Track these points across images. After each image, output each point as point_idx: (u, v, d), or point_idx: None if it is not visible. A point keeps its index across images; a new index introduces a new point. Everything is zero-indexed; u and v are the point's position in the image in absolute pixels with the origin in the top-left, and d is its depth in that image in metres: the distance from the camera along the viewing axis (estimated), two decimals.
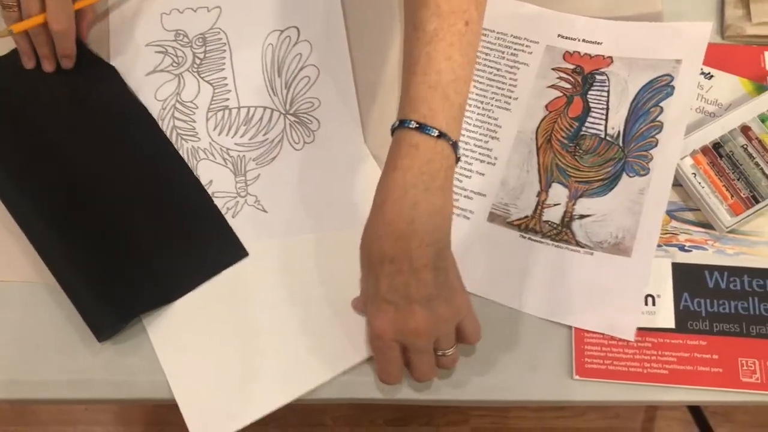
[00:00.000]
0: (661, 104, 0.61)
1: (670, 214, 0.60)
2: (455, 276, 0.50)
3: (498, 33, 0.66)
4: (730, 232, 0.58)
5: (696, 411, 1.09)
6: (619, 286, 0.56)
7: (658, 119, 0.61)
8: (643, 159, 0.60)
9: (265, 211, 0.60)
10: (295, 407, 0.55)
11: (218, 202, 0.60)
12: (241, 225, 0.59)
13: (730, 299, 0.57)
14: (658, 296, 0.57)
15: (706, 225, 0.59)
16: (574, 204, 0.59)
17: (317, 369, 0.54)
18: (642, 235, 0.57)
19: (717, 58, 0.64)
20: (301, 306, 0.56)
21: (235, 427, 0.53)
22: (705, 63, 0.63)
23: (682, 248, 0.59)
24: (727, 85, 0.63)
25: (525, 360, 0.55)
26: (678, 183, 0.60)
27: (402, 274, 0.48)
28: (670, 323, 0.56)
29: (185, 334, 0.55)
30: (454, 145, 0.49)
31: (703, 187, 0.59)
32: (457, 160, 0.50)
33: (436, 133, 0.48)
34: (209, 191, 0.60)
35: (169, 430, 1.13)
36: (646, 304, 0.57)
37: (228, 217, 0.59)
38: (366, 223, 0.50)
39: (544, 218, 0.59)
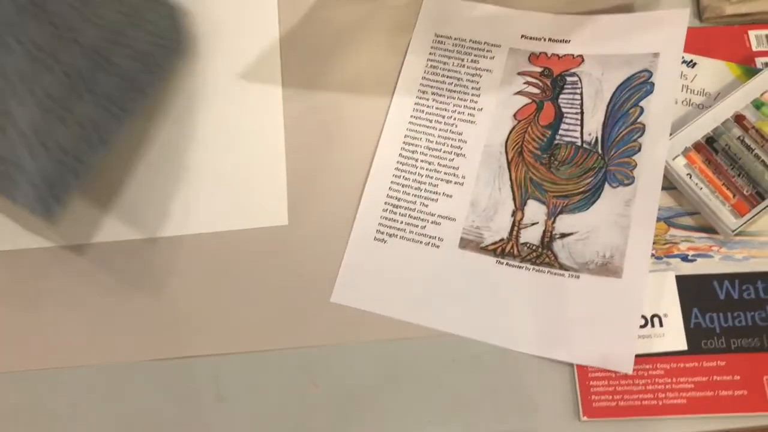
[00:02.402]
0: (641, 104, 0.54)
1: (667, 221, 0.53)
2: None
3: (455, 39, 0.60)
4: (736, 234, 0.52)
5: None
6: (611, 312, 0.49)
7: (639, 121, 0.54)
8: (626, 166, 0.53)
9: None
10: None
11: None
12: None
13: (746, 310, 0.50)
14: (665, 316, 0.50)
15: (709, 229, 0.53)
16: (553, 222, 0.53)
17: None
18: (632, 252, 0.50)
19: (698, 43, 0.57)
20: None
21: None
22: (686, 50, 0.56)
23: (684, 258, 0.52)
24: (713, 71, 0.57)
25: (523, 402, 0.49)
26: (672, 186, 0.54)
27: None
28: (682, 345, 0.50)
29: None
30: None
31: (701, 189, 0.53)
32: None
33: None
34: None
35: None
36: (653, 325, 0.50)
37: None
38: None
39: (522, 240, 0.53)
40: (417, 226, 0.54)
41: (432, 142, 0.57)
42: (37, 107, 0.47)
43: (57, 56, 0.47)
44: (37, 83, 0.47)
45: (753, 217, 0.51)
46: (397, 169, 0.56)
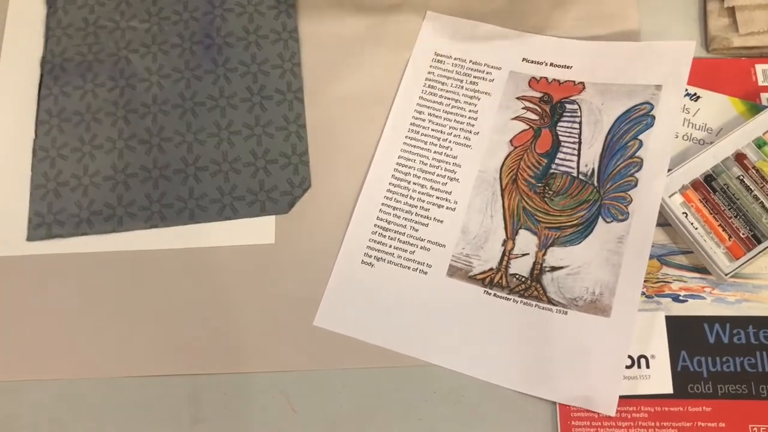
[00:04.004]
0: (640, 137, 0.53)
1: (660, 258, 0.52)
2: None
3: (455, 59, 0.59)
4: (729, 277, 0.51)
5: None
6: (597, 351, 0.48)
7: (636, 155, 0.53)
8: (622, 201, 0.52)
9: None
10: None
11: None
12: None
13: (735, 355, 0.49)
14: (653, 357, 0.49)
15: (702, 269, 0.51)
16: (544, 254, 0.52)
17: None
18: (622, 291, 0.49)
19: (703, 74, 0.56)
20: None
21: None
22: (690, 82, 0.55)
23: (676, 298, 0.51)
24: (716, 106, 0.55)
25: None
26: (667, 222, 0.52)
27: None
28: (668, 388, 0.49)
29: None
30: None
31: (696, 228, 0.51)
32: None
33: None
34: None
35: None
36: (639, 366, 0.49)
37: None
38: None
39: (511, 271, 0.52)
40: (406, 251, 0.53)
41: (426, 164, 0.55)
42: None
43: None
44: None
45: (748, 261, 0.50)
46: (389, 191, 0.55)
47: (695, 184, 0.52)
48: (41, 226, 0.56)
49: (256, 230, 0.55)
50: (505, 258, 0.52)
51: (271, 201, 0.56)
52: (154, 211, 0.56)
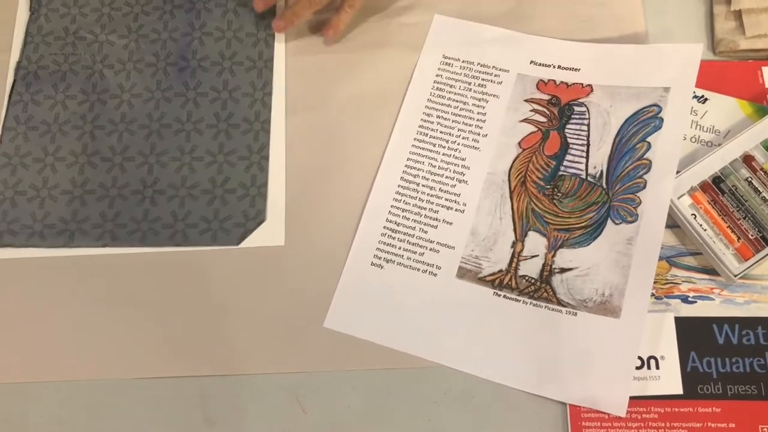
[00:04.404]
0: (648, 139, 0.53)
1: (669, 260, 0.52)
2: None
3: (463, 62, 0.59)
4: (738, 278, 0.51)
5: None
6: (607, 352, 0.48)
7: (645, 157, 0.53)
8: (631, 203, 0.52)
9: None
10: None
11: None
12: None
13: (744, 356, 0.49)
14: (662, 358, 0.49)
15: (711, 270, 0.52)
16: (553, 255, 0.52)
17: None
18: (631, 292, 0.49)
19: (710, 77, 0.56)
20: None
21: None
22: (697, 84, 0.55)
23: (685, 299, 0.51)
24: (724, 108, 0.56)
25: None
26: (676, 224, 0.53)
27: None
28: (678, 389, 0.49)
29: None
30: None
31: (705, 230, 0.51)
32: None
33: None
34: None
35: None
36: (649, 367, 0.49)
37: None
38: None
39: (521, 273, 0.52)
40: (415, 252, 0.53)
41: (435, 166, 0.56)
42: None
43: None
44: None
45: (757, 262, 0.50)
46: (398, 192, 0.55)
47: (704, 186, 0.53)
48: None
49: (266, 232, 0.55)
50: (515, 260, 0.52)
51: (222, 231, 0.55)
52: (106, 230, 0.55)
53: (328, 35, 0.60)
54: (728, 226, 0.51)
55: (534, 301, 0.51)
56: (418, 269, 0.53)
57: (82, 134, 0.58)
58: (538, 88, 0.57)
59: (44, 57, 0.61)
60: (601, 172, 0.53)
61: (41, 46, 0.61)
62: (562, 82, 0.57)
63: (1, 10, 0.63)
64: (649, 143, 0.53)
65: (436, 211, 0.54)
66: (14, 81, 0.60)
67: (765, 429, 0.48)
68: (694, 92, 0.55)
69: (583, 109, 0.56)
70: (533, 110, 0.56)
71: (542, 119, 0.56)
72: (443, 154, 0.56)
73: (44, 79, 0.60)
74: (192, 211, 0.55)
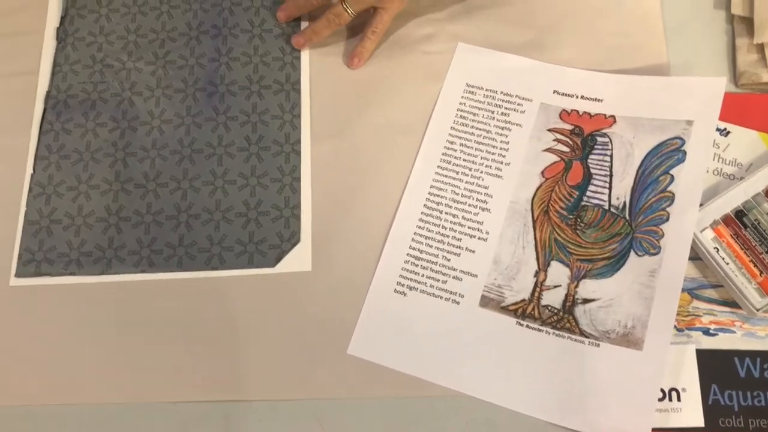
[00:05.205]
0: (671, 172, 0.54)
1: (691, 292, 0.53)
2: None
3: (486, 90, 0.59)
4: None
5: None
6: (630, 384, 0.49)
7: (668, 189, 0.53)
8: (653, 235, 0.53)
9: None
10: None
11: None
12: None
13: (766, 390, 0.50)
14: (683, 390, 0.50)
15: (732, 303, 0.52)
16: (576, 286, 0.52)
17: None
18: (655, 325, 0.50)
19: (732, 110, 0.57)
20: None
21: None
22: (720, 117, 0.55)
23: (706, 332, 0.52)
24: (746, 141, 0.56)
25: None
26: (698, 256, 0.53)
27: None
28: (699, 421, 0.49)
29: None
30: None
31: (727, 264, 0.52)
32: None
33: None
34: None
35: None
36: (670, 399, 0.49)
37: None
38: None
39: (544, 302, 0.52)
40: (438, 280, 0.54)
41: (458, 194, 0.56)
42: None
43: None
44: None
45: None
46: (421, 220, 0.56)
47: (726, 220, 0.53)
48: (30, 263, 0.56)
49: (294, 257, 0.55)
50: (537, 289, 0.53)
51: (259, 253, 0.55)
52: (143, 256, 0.56)
53: (353, 63, 0.61)
54: (751, 260, 0.52)
55: (557, 332, 0.51)
56: (441, 297, 0.53)
57: (114, 161, 0.59)
58: (561, 118, 0.58)
59: (73, 86, 0.61)
60: (624, 203, 0.54)
61: (69, 75, 0.62)
62: (585, 112, 0.57)
63: (29, 36, 0.64)
64: (672, 176, 0.54)
65: (459, 239, 0.55)
66: (44, 110, 0.60)
67: None
68: (717, 125, 0.56)
69: (606, 139, 0.56)
70: (556, 140, 0.57)
71: (565, 149, 0.56)
72: (466, 182, 0.57)
73: (74, 107, 0.60)
74: (227, 234, 0.56)
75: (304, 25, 0.63)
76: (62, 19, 0.63)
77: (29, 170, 0.59)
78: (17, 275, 0.55)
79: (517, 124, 0.58)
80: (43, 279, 0.55)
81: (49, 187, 0.58)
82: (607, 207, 0.54)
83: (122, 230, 0.56)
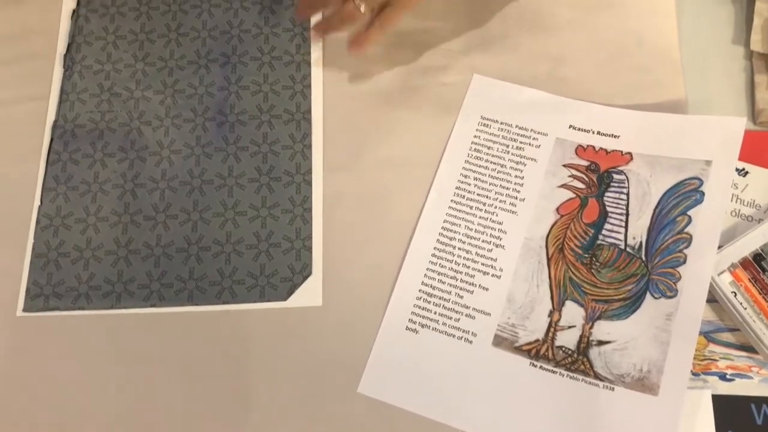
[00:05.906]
0: (689, 212, 0.53)
1: (707, 335, 0.52)
2: None
3: (501, 123, 0.59)
4: None
5: None
6: (644, 430, 0.48)
7: (685, 231, 0.53)
8: (670, 278, 0.52)
9: None
10: None
11: None
12: None
13: None
14: None
15: (749, 348, 0.51)
16: (591, 327, 0.52)
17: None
18: (671, 370, 0.49)
19: (750, 148, 0.56)
20: None
21: None
22: (738, 156, 0.55)
23: (722, 377, 0.51)
24: (765, 182, 0.55)
25: None
26: (713, 298, 0.52)
27: None
28: None
29: None
30: None
31: (745, 309, 0.51)
32: None
33: None
34: None
35: None
36: None
37: None
38: None
39: (558, 343, 0.51)
40: (450, 318, 0.53)
41: (471, 230, 0.56)
42: None
43: None
44: None
45: None
46: (434, 255, 0.55)
47: (744, 263, 0.52)
48: (39, 297, 0.55)
49: (305, 292, 0.55)
50: (552, 329, 0.52)
51: (270, 287, 0.55)
52: (153, 290, 0.55)
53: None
54: None
55: (571, 374, 0.50)
56: (454, 335, 0.53)
57: (123, 193, 0.58)
58: (576, 154, 0.57)
59: (81, 115, 0.60)
60: (641, 243, 0.53)
61: (77, 104, 0.61)
62: (601, 148, 0.57)
63: (40, 61, 0.63)
64: (689, 216, 0.53)
65: (472, 276, 0.54)
66: (51, 140, 0.60)
67: None
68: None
69: (623, 177, 0.55)
70: (572, 176, 0.56)
71: (581, 185, 0.56)
72: (480, 217, 0.56)
73: (82, 137, 0.60)
74: (238, 267, 0.55)
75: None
76: (69, 46, 0.63)
77: (37, 201, 0.58)
78: (25, 310, 0.55)
79: (532, 159, 0.57)
80: (50, 312, 0.55)
81: (56, 219, 0.57)
82: (623, 246, 0.53)
83: (131, 263, 0.56)
